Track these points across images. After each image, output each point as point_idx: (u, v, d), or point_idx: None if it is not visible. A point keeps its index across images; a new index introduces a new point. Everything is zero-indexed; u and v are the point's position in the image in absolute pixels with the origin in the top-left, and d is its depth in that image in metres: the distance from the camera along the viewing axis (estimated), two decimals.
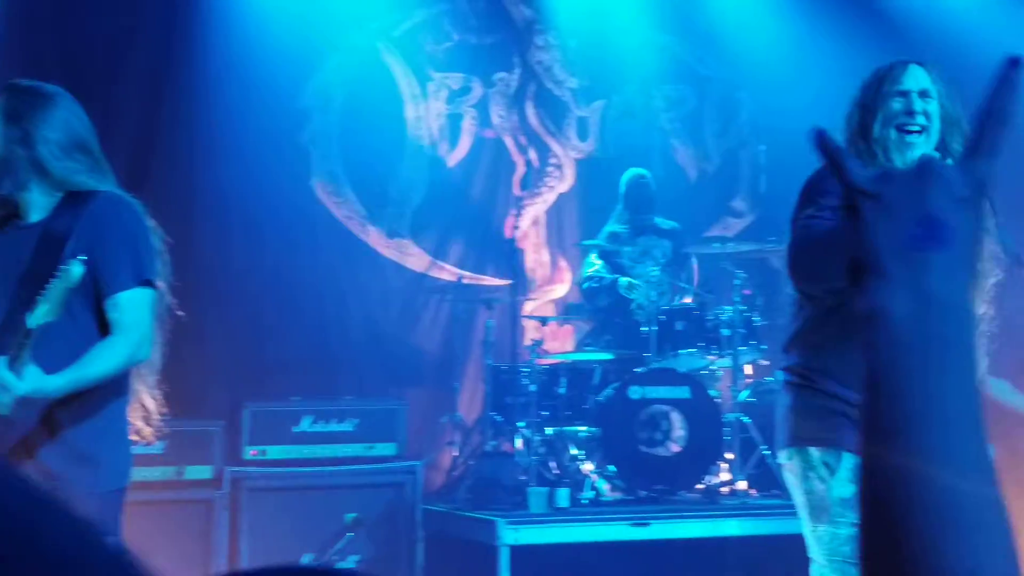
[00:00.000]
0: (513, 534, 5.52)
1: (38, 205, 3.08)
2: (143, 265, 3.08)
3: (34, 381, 2.81)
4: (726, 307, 6.73)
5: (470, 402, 7.49)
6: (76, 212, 3.05)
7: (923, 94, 3.18)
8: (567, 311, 8.31)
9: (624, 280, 7.05)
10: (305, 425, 6.03)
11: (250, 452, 5.96)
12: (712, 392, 6.63)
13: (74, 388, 2.91)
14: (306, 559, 5.72)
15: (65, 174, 3.06)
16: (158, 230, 3.21)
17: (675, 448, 6.34)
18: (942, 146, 3.19)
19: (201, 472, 5.61)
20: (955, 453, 0.81)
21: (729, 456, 6.48)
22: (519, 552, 5.54)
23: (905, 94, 3.17)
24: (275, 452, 5.97)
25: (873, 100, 3.20)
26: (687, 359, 6.71)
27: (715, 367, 6.93)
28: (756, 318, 6.76)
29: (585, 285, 7.32)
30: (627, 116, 8.78)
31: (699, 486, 6.43)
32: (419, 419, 7.09)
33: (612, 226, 7.44)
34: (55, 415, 2.92)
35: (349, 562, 5.82)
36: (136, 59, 7.02)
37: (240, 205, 7.10)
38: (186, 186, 6.96)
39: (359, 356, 7.39)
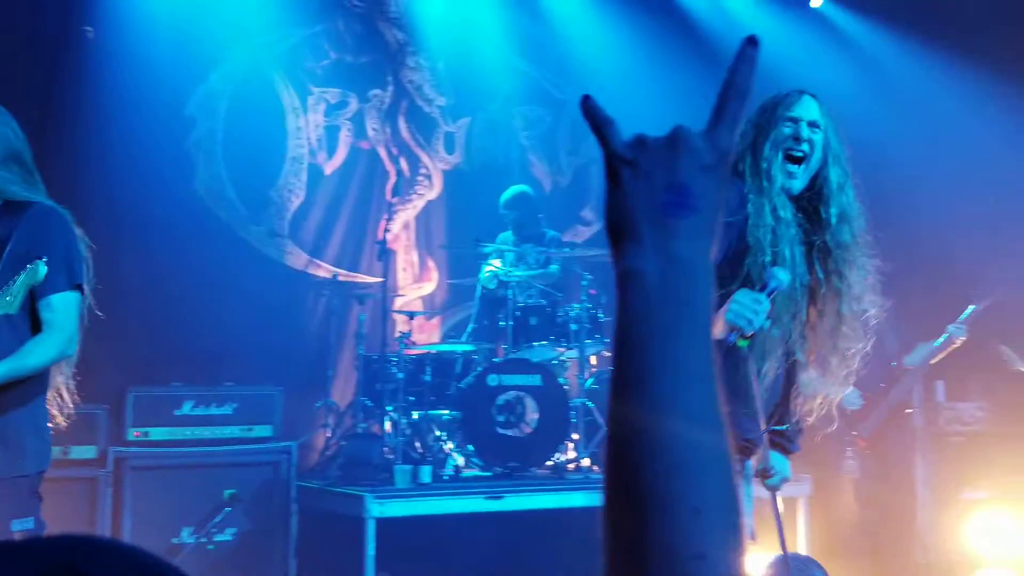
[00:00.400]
0: (379, 507, 5.50)
1: None
2: (74, 271, 3.13)
3: None
4: (575, 305, 6.81)
5: (343, 388, 7.43)
6: (12, 220, 3.06)
7: (812, 124, 3.25)
8: (433, 306, 8.36)
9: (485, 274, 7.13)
10: (186, 409, 5.90)
11: (133, 433, 5.80)
12: (561, 380, 6.69)
13: (9, 378, 2.95)
14: (185, 533, 5.60)
15: (1, 184, 3.07)
16: (84, 238, 3.24)
17: (527, 429, 6.38)
18: (822, 176, 3.25)
19: (86, 452, 5.43)
20: (688, 403, 0.80)
21: (575, 436, 6.57)
22: (384, 524, 5.51)
23: (795, 121, 3.24)
24: (157, 433, 5.82)
25: (767, 122, 3.26)
26: (539, 351, 6.76)
27: (564, 358, 6.97)
28: (601, 315, 6.86)
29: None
30: (490, 133, 8.84)
31: (548, 463, 6.49)
32: (296, 403, 6.98)
33: (504, 235, 7.49)
34: None
35: (227, 535, 5.71)
36: (27, 66, 6.76)
37: (129, 204, 6.90)
38: (78, 187, 6.71)
39: (240, 346, 7.25)
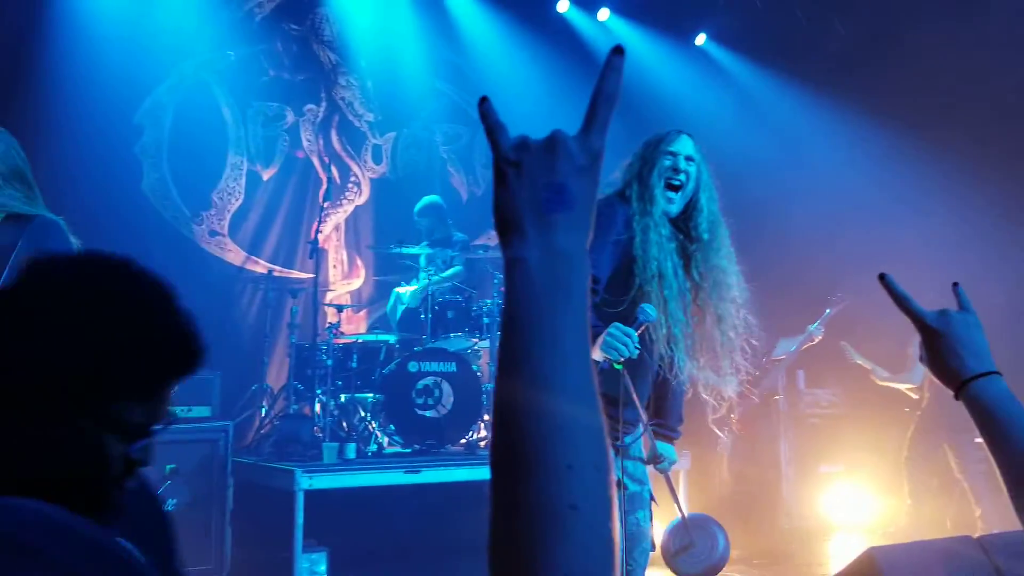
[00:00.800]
0: (308, 481, 5.47)
1: None
2: None
3: None
4: (487, 300, 6.89)
5: (277, 373, 7.38)
6: (17, 232, 3.11)
7: (688, 158, 3.46)
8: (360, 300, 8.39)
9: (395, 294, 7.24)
10: None
11: None
12: (474, 367, 6.74)
13: None
14: None
15: (5, 201, 3.13)
16: (79, 244, 3.28)
17: (444, 411, 6.41)
18: (695, 200, 3.45)
19: None
20: (565, 375, 0.82)
21: (487, 417, 6.60)
22: (312, 495, 5.49)
23: (674, 155, 3.43)
24: None
25: (651, 156, 3.46)
26: (455, 341, 6.81)
27: (477, 347, 7.02)
28: None
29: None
30: (413, 146, 8.88)
31: (462, 441, 6.53)
32: (233, 386, 6.93)
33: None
34: None
35: (168, 505, 5.67)
36: None
37: (81, 203, 6.72)
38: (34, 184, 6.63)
39: None
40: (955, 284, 1.67)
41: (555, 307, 0.85)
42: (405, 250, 7.15)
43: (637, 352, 3.06)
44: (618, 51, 0.92)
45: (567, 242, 0.87)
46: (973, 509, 6.56)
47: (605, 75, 0.92)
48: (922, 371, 6.86)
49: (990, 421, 1.48)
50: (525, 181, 0.90)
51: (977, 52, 7.93)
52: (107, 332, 1.13)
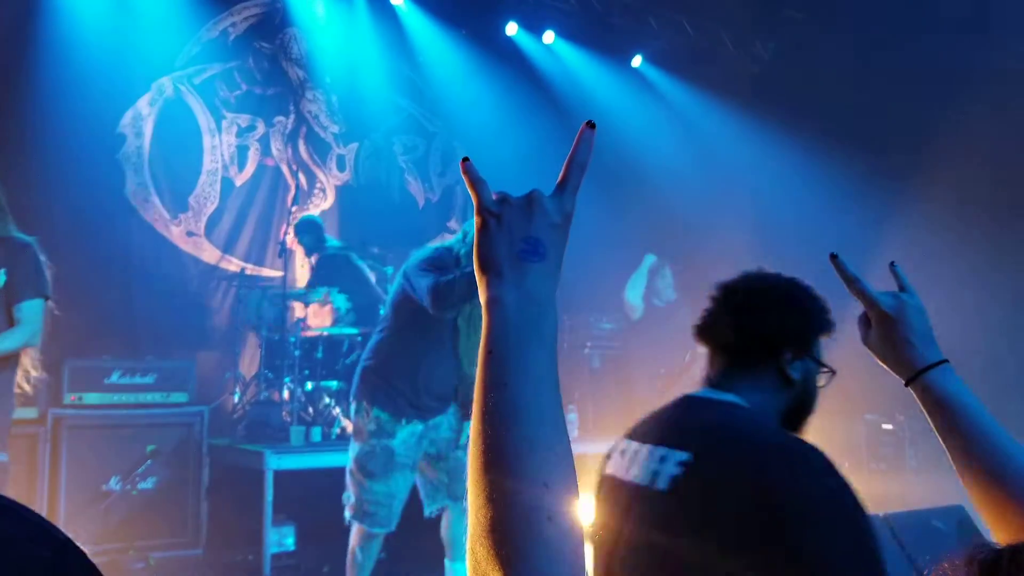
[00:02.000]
0: (277, 461, 5.51)
1: None
2: (40, 285, 3.60)
3: None
4: None
5: (249, 362, 7.39)
6: None
7: None
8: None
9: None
10: (115, 378, 5.80)
11: (70, 398, 5.67)
12: None
13: None
14: (113, 481, 5.52)
15: None
16: (47, 261, 3.70)
17: None
18: None
19: (28, 413, 5.28)
20: (539, 404, 0.87)
21: None
22: (281, 474, 5.54)
23: None
24: (90, 398, 5.71)
25: None
26: None
27: None
28: None
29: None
30: (374, 156, 8.91)
31: None
32: (209, 374, 6.93)
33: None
34: None
35: (148, 483, 5.65)
36: None
37: (69, 207, 6.74)
38: (22, 192, 6.53)
39: (161, 327, 7.15)
40: (892, 264, 1.63)
41: (528, 342, 0.89)
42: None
43: None
44: (590, 125, 0.98)
45: (539, 288, 0.92)
46: None
47: (578, 146, 0.98)
48: None
49: (942, 410, 1.44)
50: (504, 232, 0.94)
51: (880, 72, 8.13)
52: (802, 304, 1.88)
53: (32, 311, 3.56)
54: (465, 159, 0.96)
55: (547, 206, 0.96)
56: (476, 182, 0.97)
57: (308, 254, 7.44)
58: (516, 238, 0.93)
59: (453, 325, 4.12)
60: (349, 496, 4.20)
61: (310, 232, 7.41)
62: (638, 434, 1.73)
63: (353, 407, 4.24)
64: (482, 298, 0.93)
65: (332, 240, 7.56)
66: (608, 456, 1.80)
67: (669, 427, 1.69)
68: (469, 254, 3.73)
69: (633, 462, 1.64)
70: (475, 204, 0.96)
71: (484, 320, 0.91)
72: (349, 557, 4.21)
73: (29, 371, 3.66)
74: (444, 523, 4.49)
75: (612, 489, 1.70)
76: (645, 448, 1.65)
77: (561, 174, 0.98)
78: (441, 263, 3.94)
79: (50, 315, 3.70)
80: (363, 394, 4.18)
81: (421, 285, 3.85)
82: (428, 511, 4.40)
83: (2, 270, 3.39)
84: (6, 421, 3.59)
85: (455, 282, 3.71)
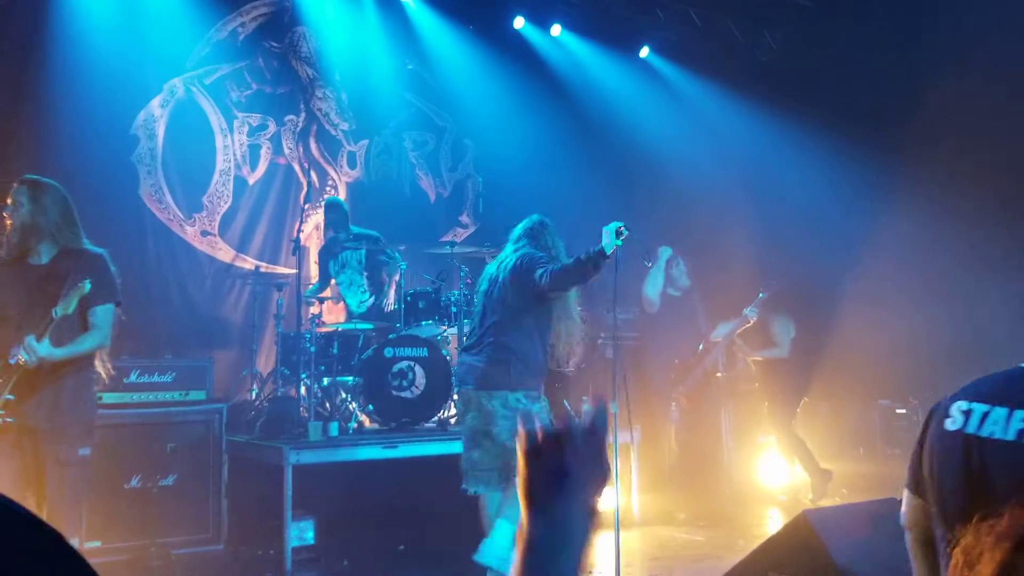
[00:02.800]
0: (296, 456, 5.49)
1: (44, 253, 3.81)
2: (112, 291, 3.86)
3: (48, 349, 3.59)
4: (454, 291, 6.91)
5: (265, 360, 7.41)
6: (71, 261, 3.79)
7: None
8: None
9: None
10: (133, 377, 5.77)
11: None
12: (444, 351, 6.78)
13: (68, 357, 3.70)
14: (135, 480, 5.51)
15: (64, 240, 3.84)
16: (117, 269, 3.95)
17: (417, 391, 6.44)
18: None
19: None
20: None
21: (455, 397, 6.63)
22: (300, 469, 5.52)
23: None
24: (110, 397, 5.65)
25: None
26: (427, 328, 6.83)
27: (446, 334, 7.06)
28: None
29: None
30: (385, 152, 8.89)
31: (434, 419, 6.57)
32: (226, 372, 6.94)
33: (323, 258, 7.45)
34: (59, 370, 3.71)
35: (169, 480, 5.65)
36: None
37: (84, 208, 6.67)
38: None
39: (178, 326, 7.17)
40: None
41: (559, 557, 1.04)
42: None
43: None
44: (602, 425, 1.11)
45: (567, 517, 1.06)
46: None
47: (595, 417, 1.11)
48: (788, 346, 7.01)
49: None
50: (546, 469, 1.08)
51: (887, 61, 8.06)
52: None
53: (105, 315, 3.84)
54: (525, 431, 1.10)
55: (581, 451, 1.09)
56: (530, 439, 1.11)
57: (331, 227, 7.45)
58: (550, 470, 1.07)
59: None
60: None
61: (333, 211, 7.47)
62: (983, 396, 1.79)
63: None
64: (522, 521, 1.07)
65: (358, 229, 7.51)
66: (942, 417, 1.84)
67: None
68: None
69: (987, 422, 1.71)
70: (522, 451, 1.10)
71: (518, 543, 1.05)
72: None
73: (100, 371, 3.93)
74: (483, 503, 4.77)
75: (962, 447, 1.75)
76: (1001, 410, 1.72)
77: (588, 431, 1.10)
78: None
79: (118, 320, 3.95)
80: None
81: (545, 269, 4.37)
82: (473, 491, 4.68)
83: (88, 279, 3.63)
84: (91, 415, 3.90)
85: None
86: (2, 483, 3.61)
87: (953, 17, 7.47)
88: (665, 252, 7.11)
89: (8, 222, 3.83)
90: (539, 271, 4.37)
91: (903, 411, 8.90)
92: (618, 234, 4.21)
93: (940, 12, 7.64)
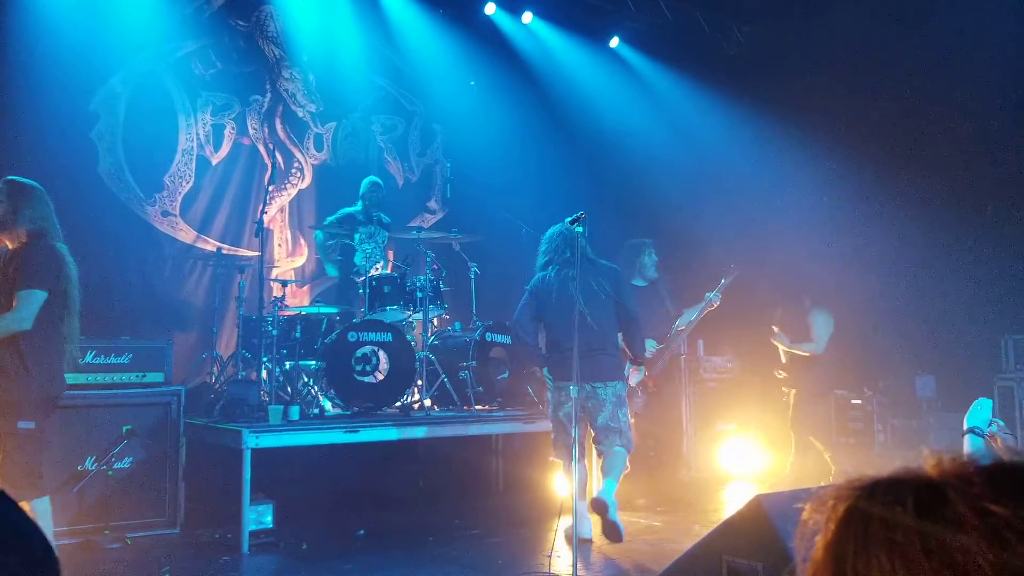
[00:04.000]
0: (255, 440, 5.42)
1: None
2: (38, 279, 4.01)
3: None
4: (420, 276, 6.85)
5: (227, 342, 7.32)
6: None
7: None
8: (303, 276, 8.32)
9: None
10: (88, 358, 5.65)
11: None
12: (408, 337, 6.75)
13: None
14: (89, 461, 5.42)
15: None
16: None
17: (380, 377, 6.41)
18: None
19: None
20: None
21: (419, 382, 6.63)
22: (259, 453, 5.45)
23: None
24: (67, 378, 5.59)
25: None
26: (391, 313, 6.77)
27: (411, 319, 7.02)
28: (442, 285, 6.93)
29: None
30: (352, 136, 8.80)
31: (397, 404, 6.53)
32: (186, 355, 6.85)
33: (347, 210, 7.54)
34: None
35: (125, 463, 5.56)
36: None
37: (41, 184, 6.60)
38: None
39: (137, 307, 7.05)
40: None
41: None
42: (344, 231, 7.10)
43: None
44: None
45: None
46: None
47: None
48: (825, 343, 7.01)
49: None
50: None
51: (852, 56, 8.12)
52: None
53: (25, 300, 3.96)
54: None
55: None
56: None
57: (363, 212, 7.55)
58: None
59: None
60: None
61: (378, 191, 7.66)
62: None
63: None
64: None
65: (384, 216, 7.73)
66: None
67: None
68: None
69: None
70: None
71: None
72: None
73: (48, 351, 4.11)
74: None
75: None
76: None
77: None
78: None
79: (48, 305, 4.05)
80: None
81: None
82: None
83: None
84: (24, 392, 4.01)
85: None
86: None
87: (919, 7, 7.54)
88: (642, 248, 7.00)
89: None
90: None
91: (858, 401, 8.99)
92: (575, 221, 4.34)
93: (905, 4, 7.71)
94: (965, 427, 5.77)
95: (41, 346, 4.02)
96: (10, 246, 4.08)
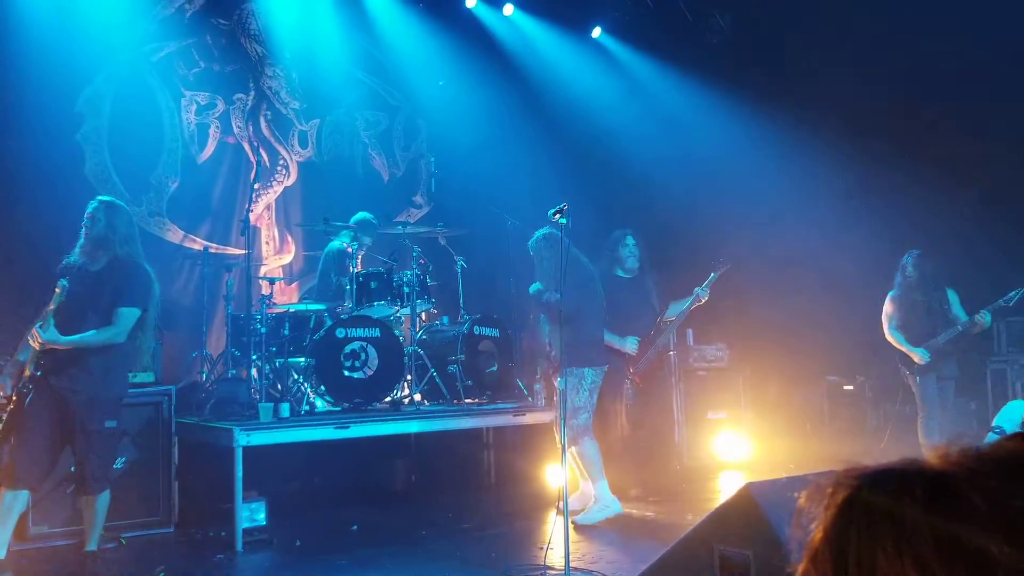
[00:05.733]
0: (246, 438, 5.44)
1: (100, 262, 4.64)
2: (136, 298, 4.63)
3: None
4: (407, 271, 6.85)
5: (216, 341, 7.32)
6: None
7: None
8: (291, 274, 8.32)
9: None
10: None
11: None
12: (397, 332, 6.76)
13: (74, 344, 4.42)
14: None
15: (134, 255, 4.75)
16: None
17: (370, 372, 6.42)
18: None
19: None
20: None
21: (408, 377, 6.64)
22: (250, 451, 5.47)
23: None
24: None
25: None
26: (379, 308, 6.77)
27: (399, 314, 7.03)
28: (428, 279, 6.94)
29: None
30: (337, 132, 8.80)
31: (387, 399, 6.56)
32: (176, 354, 6.84)
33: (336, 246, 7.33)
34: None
35: (118, 463, 5.57)
36: None
37: (27, 189, 6.61)
38: None
39: None
40: None
41: None
42: (332, 226, 7.06)
43: None
44: None
45: None
46: None
47: None
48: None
49: None
50: None
51: (835, 44, 8.16)
52: None
53: (123, 316, 4.56)
54: None
55: None
56: None
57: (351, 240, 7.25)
58: None
59: None
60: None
61: (367, 230, 7.32)
62: None
63: None
64: None
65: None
66: None
67: None
68: None
69: None
70: None
71: None
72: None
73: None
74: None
75: None
76: None
77: None
78: None
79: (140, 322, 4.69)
80: None
81: None
82: None
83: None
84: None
85: None
86: None
87: None
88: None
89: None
90: None
91: (850, 388, 9.08)
92: (558, 213, 4.46)
93: None
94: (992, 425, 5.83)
95: (122, 354, 4.60)
96: (102, 262, 4.62)
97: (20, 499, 4.51)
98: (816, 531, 0.79)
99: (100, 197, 4.78)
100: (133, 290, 4.59)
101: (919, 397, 6.80)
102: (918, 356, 6.70)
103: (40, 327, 4.37)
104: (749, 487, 2.95)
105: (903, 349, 6.79)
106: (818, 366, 9.17)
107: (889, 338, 6.92)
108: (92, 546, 4.61)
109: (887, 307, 6.95)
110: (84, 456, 4.49)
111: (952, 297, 6.89)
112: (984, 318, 6.57)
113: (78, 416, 4.45)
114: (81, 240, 4.69)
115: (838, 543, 0.76)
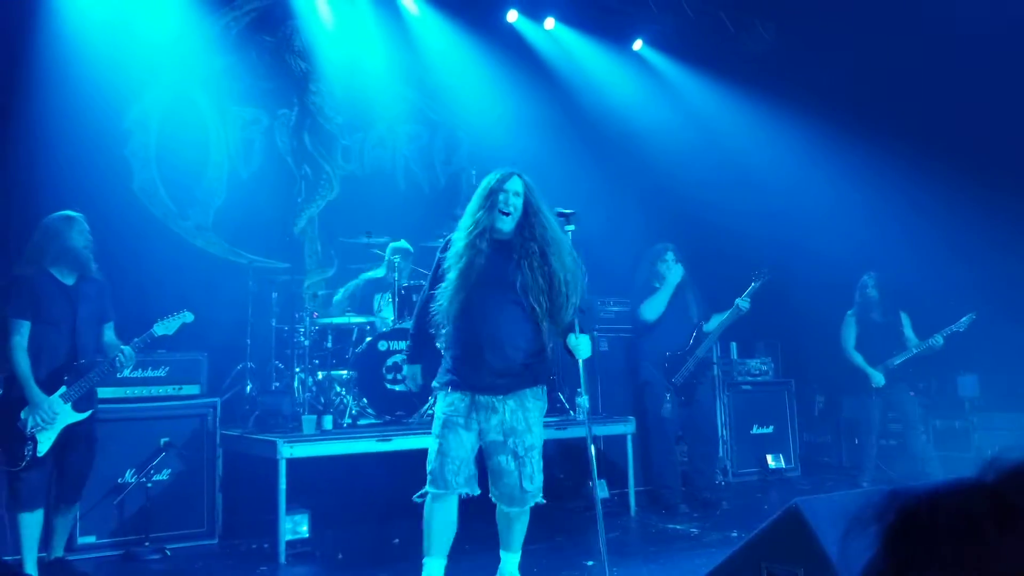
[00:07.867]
0: (289, 450, 5.45)
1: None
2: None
3: None
4: None
5: (260, 353, 7.34)
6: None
7: (515, 194, 4.26)
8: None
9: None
10: (127, 371, 5.72)
11: None
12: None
13: None
14: (129, 474, 5.49)
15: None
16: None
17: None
18: (527, 219, 4.25)
19: None
20: None
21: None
22: (294, 463, 5.49)
23: (505, 191, 4.26)
24: (104, 392, 5.61)
25: (489, 195, 4.27)
26: None
27: None
28: None
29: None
30: (379, 146, 8.85)
31: (429, 412, 6.51)
32: (220, 366, 6.89)
33: (370, 276, 7.41)
34: None
35: (163, 475, 5.63)
36: None
37: (77, 204, 6.65)
38: (31, 186, 6.52)
39: None
40: None
41: None
42: (374, 240, 7.08)
43: None
44: None
45: None
46: None
47: None
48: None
49: None
50: None
51: (879, 50, 8.04)
52: None
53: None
54: None
55: None
56: None
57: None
58: None
59: None
60: None
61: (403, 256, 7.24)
62: None
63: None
64: None
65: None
66: None
67: None
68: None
69: None
70: None
71: None
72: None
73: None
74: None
75: None
76: None
77: None
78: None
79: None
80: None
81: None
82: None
83: None
84: None
85: None
86: None
87: (944, 5, 7.46)
88: (676, 274, 6.93)
89: None
90: None
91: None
92: (567, 220, 4.50)
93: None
94: None
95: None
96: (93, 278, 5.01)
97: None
98: (876, 555, 0.75)
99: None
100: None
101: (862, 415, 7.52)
102: (873, 378, 7.28)
103: None
104: (798, 503, 2.88)
105: (861, 367, 7.33)
106: (867, 379, 8.98)
107: (848, 356, 7.40)
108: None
109: (845, 326, 7.45)
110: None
111: (905, 320, 7.35)
112: (937, 341, 7.07)
113: None
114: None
115: (898, 568, 0.73)
